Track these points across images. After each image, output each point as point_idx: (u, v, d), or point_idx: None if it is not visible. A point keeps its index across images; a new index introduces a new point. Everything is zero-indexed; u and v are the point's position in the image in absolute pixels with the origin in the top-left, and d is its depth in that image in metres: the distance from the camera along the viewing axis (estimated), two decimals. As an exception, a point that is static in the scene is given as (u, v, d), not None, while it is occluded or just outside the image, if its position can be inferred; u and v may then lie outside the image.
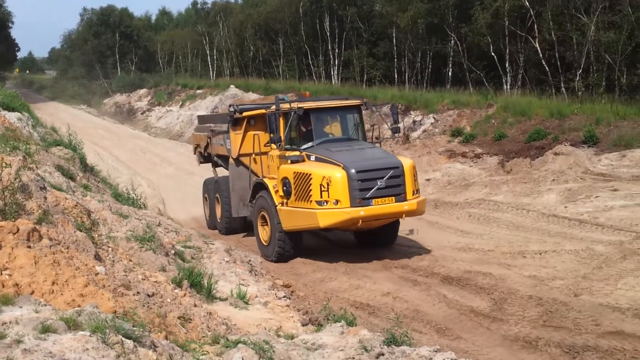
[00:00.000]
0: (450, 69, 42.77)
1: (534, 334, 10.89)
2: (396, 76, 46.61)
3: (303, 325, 9.87)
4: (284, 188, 15.51)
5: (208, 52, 69.14)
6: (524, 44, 36.25)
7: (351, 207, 14.61)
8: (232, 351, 6.83)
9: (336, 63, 52.46)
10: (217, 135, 19.81)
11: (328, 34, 52.50)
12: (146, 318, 7.12)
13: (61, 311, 6.08)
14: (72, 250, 7.97)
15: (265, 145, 17.20)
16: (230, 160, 18.61)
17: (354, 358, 7.69)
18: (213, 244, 13.64)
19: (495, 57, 37.66)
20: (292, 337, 8.61)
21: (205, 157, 21.80)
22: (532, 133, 26.89)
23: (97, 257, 8.41)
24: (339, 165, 14.84)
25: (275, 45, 59.18)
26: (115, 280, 7.87)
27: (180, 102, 58.38)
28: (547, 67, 34.28)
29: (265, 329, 8.92)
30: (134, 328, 6.03)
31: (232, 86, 53.58)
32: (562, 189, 20.74)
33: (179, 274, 9.72)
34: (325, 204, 14.72)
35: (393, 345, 8.20)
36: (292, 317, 10.16)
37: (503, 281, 13.55)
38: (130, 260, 9.42)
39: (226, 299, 10.17)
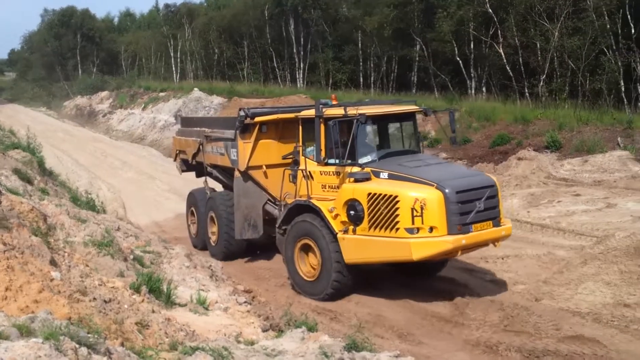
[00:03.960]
0: (416, 74, 43.04)
1: (495, 339, 10.95)
2: (362, 80, 46.75)
3: (264, 331, 9.76)
4: (351, 212, 12.79)
5: (172, 54, 68.65)
6: (488, 49, 36.58)
7: (449, 234, 12.11)
8: (190, 358, 6.71)
9: (301, 66, 52.44)
10: (214, 142, 17.28)
11: (293, 37, 52.50)
12: (102, 324, 6.98)
13: (14, 317, 5.96)
14: (27, 255, 7.80)
15: (284, 158, 15.36)
16: (236, 173, 16.12)
17: (314, 364, 7.61)
18: (173, 249, 13.46)
19: (460, 62, 37.93)
20: (252, 343, 8.49)
21: (190, 166, 19.58)
22: (496, 138, 27.13)
23: (53, 263, 8.24)
24: (431, 185, 12.27)
25: (240, 48, 58.99)
26: (70, 286, 7.70)
27: (143, 105, 57.79)
28: (511, 73, 34.61)
29: (225, 335, 8.79)
30: (89, 335, 5.92)
31: (196, 89, 53.11)
32: (525, 193, 20.91)
33: (137, 280, 9.55)
34: (416, 231, 12.14)
35: (354, 351, 8.16)
36: (253, 322, 10.04)
37: (465, 286, 13.61)
38: (87, 266, 9.24)
39: (186, 305, 10.01)
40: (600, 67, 29.96)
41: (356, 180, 12.92)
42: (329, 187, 13.64)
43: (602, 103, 28.74)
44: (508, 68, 34.71)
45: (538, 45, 32.53)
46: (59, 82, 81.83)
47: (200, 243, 18.46)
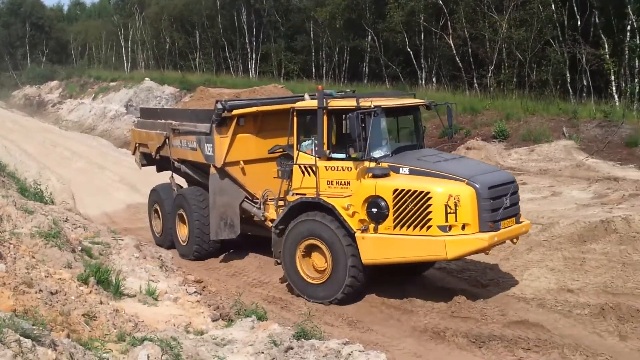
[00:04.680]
0: (367, 65, 43.23)
1: (442, 325, 11.18)
2: (314, 70, 46.78)
3: (213, 320, 9.76)
4: (373, 210, 12.00)
5: (123, 43, 67.74)
6: (438, 40, 36.95)
7: (481, 231, 11.56)
8: (138, 348, 6.71)
9: (254, 57, 52.22)
10: (184, 135, 16.19)
11: (245, 27, 52.20)
12: (48, 316, 6.94)
13: (-44, 311, 5.88)
14: (-29, 247, 7.70)
15: (270, 152, 14.48)
16: (212, 170, 15.09)
17: (263, 352, 7.69)
18: (122, 240, 13.34)
19: (411, 53, 38.21)
20: (201, 333, 8.53)
21: (151, 160, 18.48)
22: (446, 128, 27.38)
23: (-2, 255, 8.14)
24: (462, 181, 11.70)
25: (192, 38, 58.44)
26: (16, 278, 7.63)
27: (93, 95, 57.01)
28: (460, 64, 35.04)
29: (174, 325, 8.78)
30: (34, 327, 5.89)
31: (147, 79, 52.55)
32: (473, 182, 21.21)
33: (85, 271, 9.46)
34: (449, 229, 11.50)
35: (303, 339, 8.25)
36: (203, 312, 10.03)
37: (413, 274, 13.77)
38: (34, 257, 9.13)
39: (135, 296, 9.94)
40: (546, 58, 30.63)
41: (374, 176, 12.12)
42: (336, 183, 12.66)
43: (548, 94, 29.36)
44: (457, 59, 35.17)
45: (487, 36, 33.03)
46: (7, 72, 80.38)
47: (167, 242, 17.42)
